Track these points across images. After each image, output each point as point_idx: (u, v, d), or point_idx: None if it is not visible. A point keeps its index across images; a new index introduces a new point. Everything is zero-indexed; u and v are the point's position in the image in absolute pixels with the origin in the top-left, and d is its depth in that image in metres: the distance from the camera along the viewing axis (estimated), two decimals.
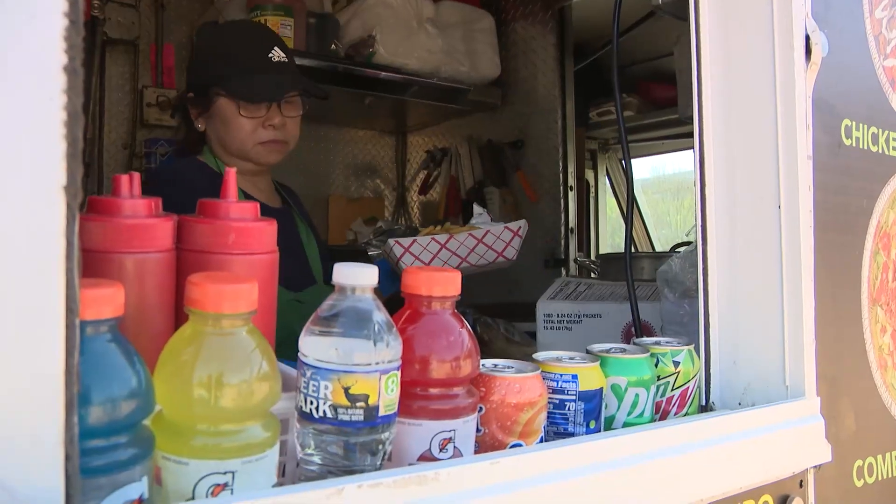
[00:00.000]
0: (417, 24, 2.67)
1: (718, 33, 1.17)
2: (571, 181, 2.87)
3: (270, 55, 1.79)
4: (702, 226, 1.13)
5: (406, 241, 1.76)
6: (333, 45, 2.59)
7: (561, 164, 2.86)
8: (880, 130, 1.32)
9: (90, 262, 0.72)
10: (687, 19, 1.19)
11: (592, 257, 3.26)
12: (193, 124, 1.84)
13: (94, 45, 2.70)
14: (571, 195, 2.85)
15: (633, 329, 1.30)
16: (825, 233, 1.17)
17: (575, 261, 2.75)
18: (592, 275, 2.49)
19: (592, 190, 3.59)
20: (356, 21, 2.62)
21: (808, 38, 1.14)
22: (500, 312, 2.52)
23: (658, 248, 3.71)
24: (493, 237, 1.77)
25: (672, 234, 4.14)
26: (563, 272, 2.71)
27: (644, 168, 3.95)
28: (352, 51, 2.62)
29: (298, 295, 1.72)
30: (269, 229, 0.81)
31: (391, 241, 1.76)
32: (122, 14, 2.73)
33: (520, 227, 1.80)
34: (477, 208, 1.92)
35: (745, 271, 1.13)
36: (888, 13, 1.35)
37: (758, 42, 1.15)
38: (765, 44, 1.14)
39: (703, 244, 1.12)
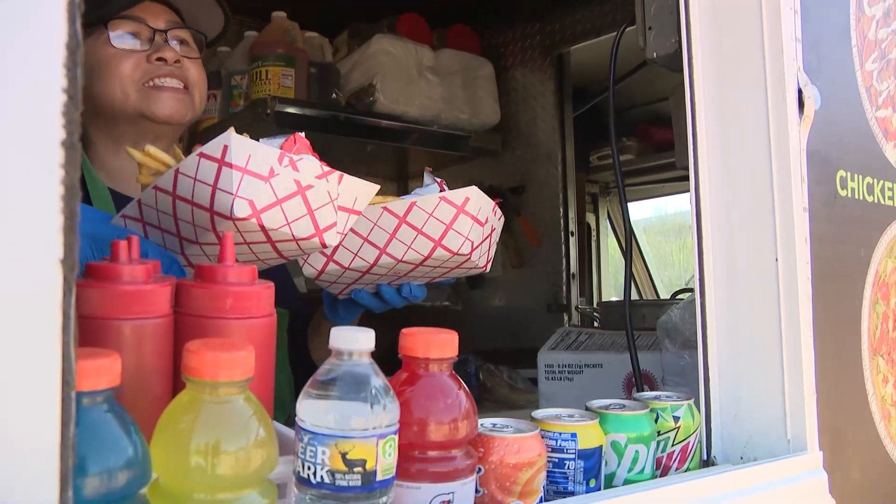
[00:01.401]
0: (417, 72, 2.70)
1: (712, 87, 1.19)
2: (572, 226, 2.88)
3: None
4: (700, 279, 1.13)
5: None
6: (334, 94, 2.62)
7: (562, 208, 2.87)
8: (875, 180, 1.33)
9: (88, 328, 0.73)
10: (681, 71, 1.21)
11: (595, 303, 3.26)
12: None
13: None
14: (572, 240, 2.86)
15: (633, 380, 1.30)
16: (824, 284, 1.17)
17: (576, 308, 2.75)
18: (595, 323, 2.49)
19: (594, 233, 3.60)
20: (357, 70, 2.65)
21: (800, 91, 1.15)
22: (504, 358, 2.51)
23: (661, 290, 3.71)
24: (423, 213, 1.14)
25: (675, 275, 4.14)
26: (566, 318, 2.70)
27: (646, 209, 3.96)
28: (353, 99, 2.64)
29: None
30: (267, 292, 0.81)
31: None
32: None
33: (467, 199, 1.14)
34: (427, 177, 1.28)
35: (744, 324, 1.13)
36: (878, 65, 1.36)
37: (751, 96, 1.16)
38: (758, 97, 1.15)
39: (701, 297, 1.13)
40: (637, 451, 0.98)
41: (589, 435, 0.93)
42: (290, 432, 0.79)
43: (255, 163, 0.93)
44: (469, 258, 1.17)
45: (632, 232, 3.21)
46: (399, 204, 1.17)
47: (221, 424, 0.67)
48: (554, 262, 2.85)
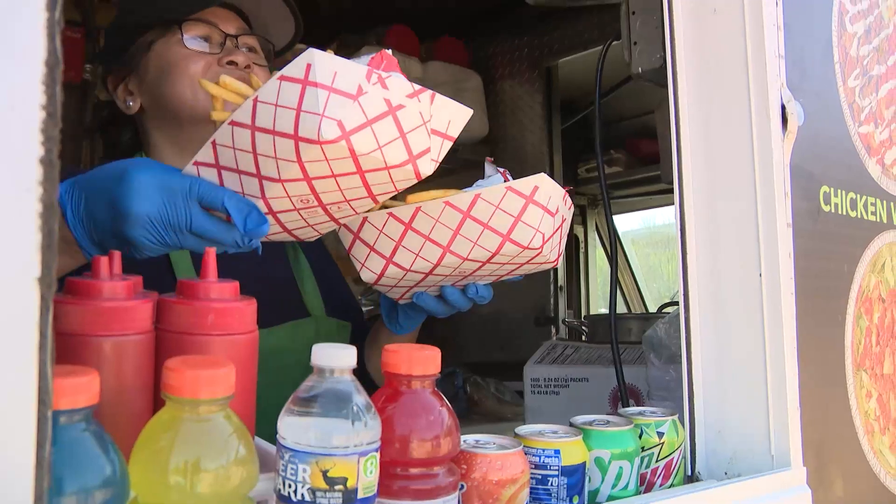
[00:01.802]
0: None
1: (696, 102, 1.19)
2: None
3: None
4: (684, 294, 1.14)
5: (354, 220, 1.16)
6: None
7: None
8: (858, 196, 1.34)
9: (68, 345, 0.72)
10: (666, 86, 1.21)
11: (583, 315, 3.26)
12: (122, 119, 1.41)
13: (85, 107, 2.73)
14: None
15: (619, 395, 1.30)
16: (807, 299, 1.18)
17: (563, 322, 2.75)
18: (583, 336, 2.49)
19: (582, 245, 3.60)
20: None
21: (783, 107, 1.16)
22: (491, 371, 2.51)
23: (649, 302, 3.71)
24: (489, 206, 1.07)
25: (664, 286, 4.15)
26: (553, 331, 2.70)
27: (634, 220, 3.97)
28: None
29: (267, 332, 1.29)
30: (250, 309, 0.81)
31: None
32: None
33: (535, 188, 1.06)
34: (489, 167, 1.19)
35: (727, 340, 1.14)
36: (860, 82, 1.37)
37: (735, 111, 1.17)
38: (742, 113, 1.16)
39: (685, 312, 1.13)
40: (621, 468, 0.98)
41: (572, 451, 0.93)
42: (272, 448, 0.79)
43: (342, 80, 0.85)
44: (540, 252, 1.08)
45: (618, 245, 3.21)
46: (462, 197, 1.08)
47: (201, 442, 0.67)
48: (541, 274, 2.85)
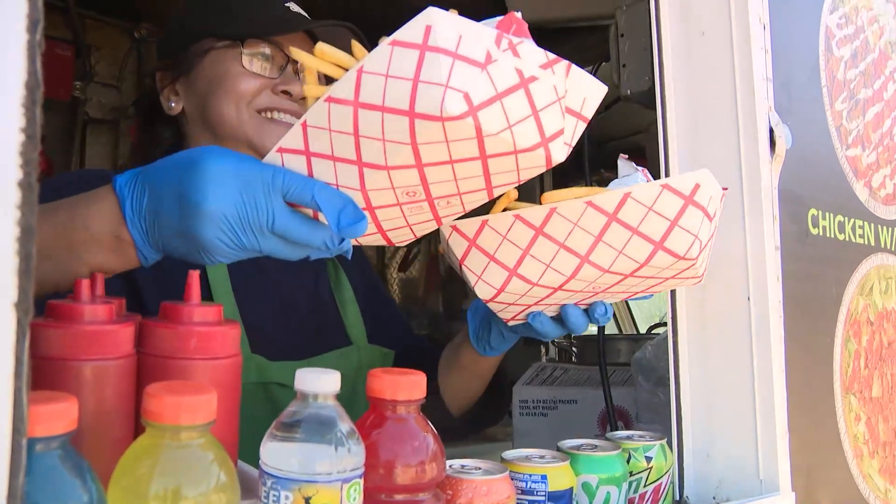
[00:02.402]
0: None
1: (684, 125, 1.19)
2: None
3: (287, 4, 1.30)
4: (672, 317, 1.13)
5: (470, 224, 0.99)
6: None
7: None
8: (846, 219, 1.34)
9: (48, 369, 0.71)
10: (654, 108, 1.22)
11: (572, 336, 3.26)
12: (158, 116, 1.33)
13: (74, 124, 2.72)
14: None
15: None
16: (796, 322, 1.17)
17: (553, 342, 2.75)
18: (573, 357, 2.48)
19: None
20: None
21: (772, 130, 1.16)
22: None
23: (640, 321, 3.71)
24: (641, 207, 0.92)
25: (654, 305, 4.14)
26: (543, 351, 2.69)
27: None
28: None
29: (308, 363, 1.23)
30: (233, 332, 0.80)
31: (447, 229, 1.00)
32: (104, 95, 2.76)
33: (696, 187, 0.92)
34: (625, 165, 1.05)
35: (716, 363, 1.13)
36: (847, 105, 1.38)
37: (723, 134, 1.17)
38: (730, 136, 1.16)
39: (673, 336, 1.13)
40: (608, 493, 0.97)
41: (559, 476, 0.92)
42: (256, 472, 0.78)
43: (468, 46, 0.71)
44: (694, 263, 0.94)
45: None
46: (607, 197, 0.92)
47: (182, 469, 0.66)
48: None
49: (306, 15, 1.30)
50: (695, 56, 1.19)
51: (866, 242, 1.38)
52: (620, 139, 3.23)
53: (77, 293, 0.75)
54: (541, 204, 0.95)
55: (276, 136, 1.14)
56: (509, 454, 0.96)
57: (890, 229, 1.45)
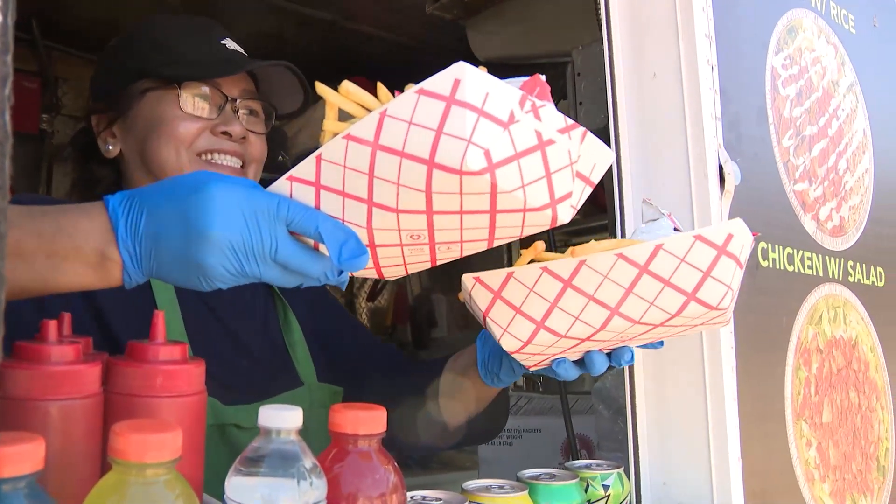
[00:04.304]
0: None
1: (638, 162, 1.24)
2: None
3: (223, 41, 1.29)
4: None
5: (495, 276, 1.01)
6: (281, 157, 2.65)
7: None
8: (795, 251, 1.39)
9: (14, 409, 0.73)
10: (610, 146, 1.26)
11: None
12: (95, 156, 1.30)
13: (41, 156, 2.73)
14: None
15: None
16: (748, 351, 1.21)
17: None
18: (539, 386, 2.51)
19: None
20: (303, 133, 2.68)
21: (721, 167, 1.21)
22: None
23: None
24: (673, 259, 0.93)
25: None
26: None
27: None
28: (299, 162, 2.67)
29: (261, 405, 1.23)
30: (198, 370, 0.82)
31: (469, 280, 1.02)
32: (72, 127, 2.76)
33: (729, 237, 0.93)
34: (650, 209, 1.05)
35: (671, 393, 1.17)
36: (794, 142, 1.44)
37: (675, 171, 1.22)
38: (681, 173, 1.21)
39: (630, 368, 1.16)
40: None
41: None
42: None
43: (493, 104, 0.73)
44: (724, 313, 0.94)
45: None
46: (639, 249, 0.93)
47: None
48: None
49: (242, 51, 1.31)
50: (647, 96, 1.24)
51: (815, 273, 1.43)
52: None
53: (44, 333, 0.77)
54: (570, 255, 0.97)
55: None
56: (469, 485, 0.98)
57: (838, 260, 1.51)
